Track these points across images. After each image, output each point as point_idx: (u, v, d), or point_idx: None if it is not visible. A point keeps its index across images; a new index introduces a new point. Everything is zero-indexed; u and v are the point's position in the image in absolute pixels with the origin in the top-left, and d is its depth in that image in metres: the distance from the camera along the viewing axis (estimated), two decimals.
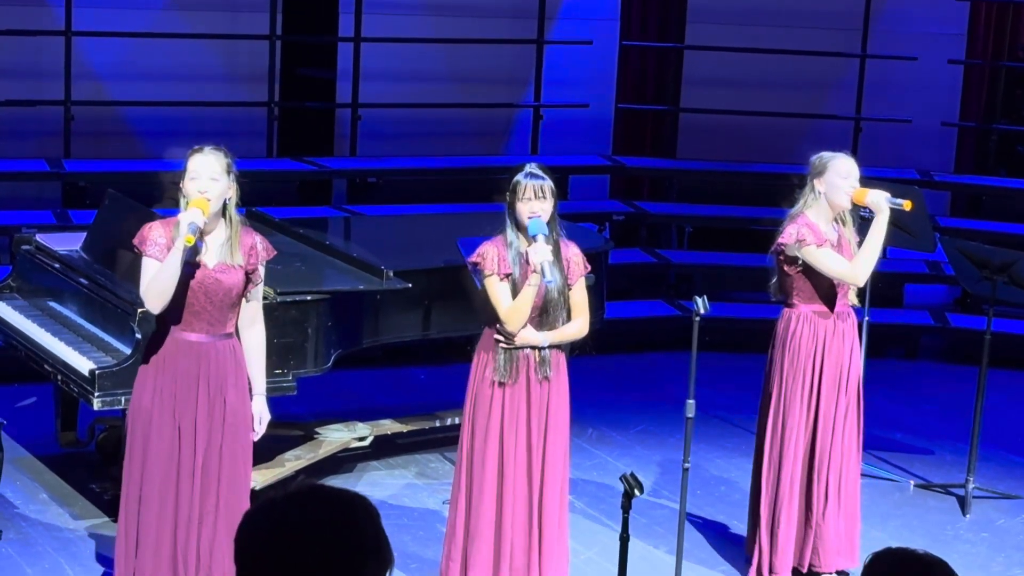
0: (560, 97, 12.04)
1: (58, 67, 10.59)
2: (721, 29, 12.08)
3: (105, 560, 6.80)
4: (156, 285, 5.70)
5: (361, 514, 2.71)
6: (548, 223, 6.14)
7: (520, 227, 6.16)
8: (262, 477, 7.33)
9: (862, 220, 6.80)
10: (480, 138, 12.04)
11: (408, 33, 11.61)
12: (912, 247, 8.26)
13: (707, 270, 11.29)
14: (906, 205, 6.63)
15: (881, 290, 9.27)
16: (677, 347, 9.81)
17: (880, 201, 6.59)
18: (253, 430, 5.98)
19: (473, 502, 6.29)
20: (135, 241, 5.85)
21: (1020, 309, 9.68)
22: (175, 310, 5.77)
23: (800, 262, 6.68)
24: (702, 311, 6.31)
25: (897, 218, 7.10)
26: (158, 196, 6.66)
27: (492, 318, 6.24)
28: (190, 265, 5.73)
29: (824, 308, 6.72)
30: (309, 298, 7.10)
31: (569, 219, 9.53)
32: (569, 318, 6.29)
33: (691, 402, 6.43)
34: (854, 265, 6.63)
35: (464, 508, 6.32)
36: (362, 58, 11.37)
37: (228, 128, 10.87)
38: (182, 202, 5.78)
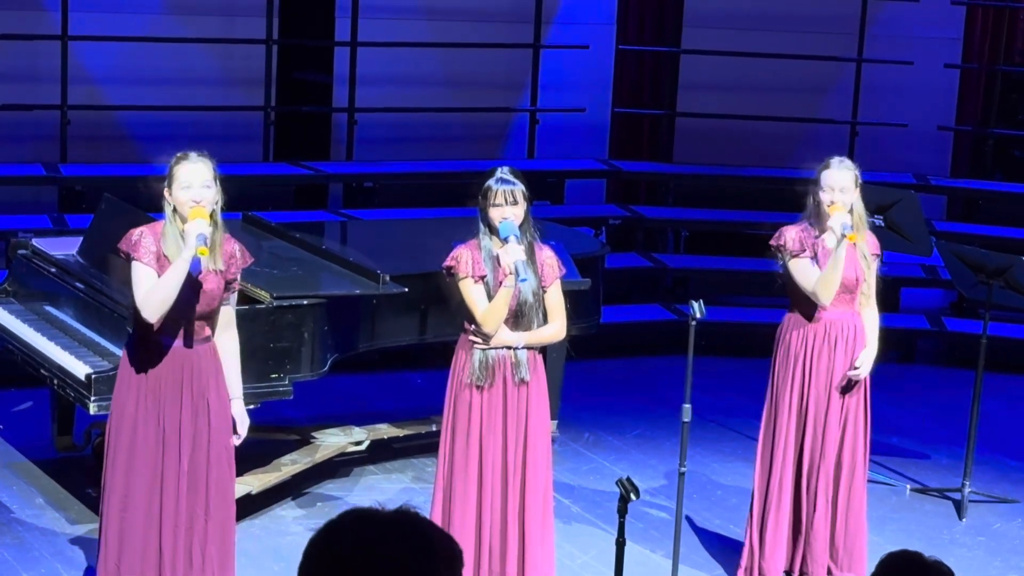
0: (557, 101, 12.04)
1: (54, 71, 10.59)
2: (717, 33, 12.08)
3: None
4: (159, 295, 5.68)
5: (439, 560, 2.41)
6: (521, 226, 6.14)
7: (493, 231, 6.16)
8: (259, 481, 7.33)
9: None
10: (476, 143, 12.04)
11: (405, 37, 11.61)
12: (908, 251, 8.24)
13: (703, 274, 11.28)
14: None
15: (877, 294, 9.26)
16: (673, 351, 9.80)
17: (836, 225, 6.53)
18: (236, 433, 5.98)
19: (454, 507, 6.26)
20: (122, 246, 5.82)
21: (1016, 313, 9.68)
22: None
23: (781, 265, 6.72)
24: (698, 315, 6.31)
25: (893, 222, 7.09)
26: (156, 200, 6.64)
27: (469, 320, 6.24)
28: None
29: (813, 313, 6.71)
30: (305, 302, 7.09)
31: (566, 223, 9.56)
32: (546, 321, 6.29)
33: (687, 406, 6.42)
34: (815, 284, 6.62)
35: (441, 513, 6.30)
36: (359, 62, 11.37)
37: (225, 132, 10.88)
38: (167, 209, 5.79)
